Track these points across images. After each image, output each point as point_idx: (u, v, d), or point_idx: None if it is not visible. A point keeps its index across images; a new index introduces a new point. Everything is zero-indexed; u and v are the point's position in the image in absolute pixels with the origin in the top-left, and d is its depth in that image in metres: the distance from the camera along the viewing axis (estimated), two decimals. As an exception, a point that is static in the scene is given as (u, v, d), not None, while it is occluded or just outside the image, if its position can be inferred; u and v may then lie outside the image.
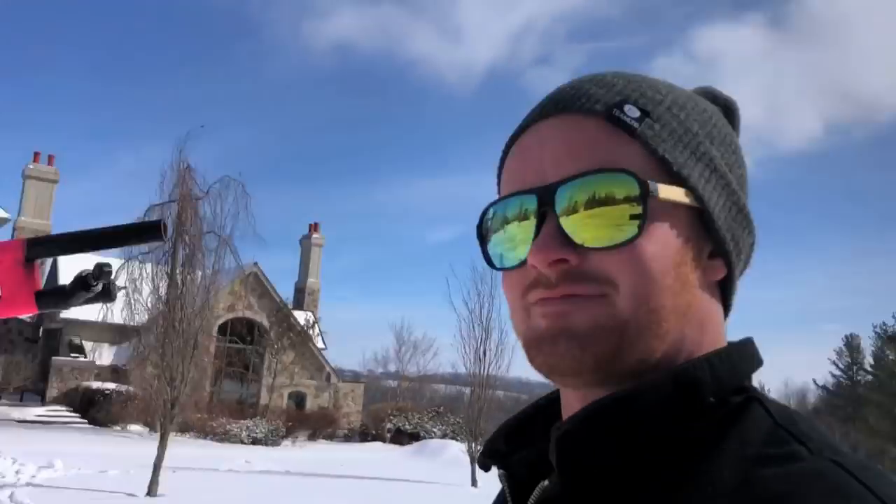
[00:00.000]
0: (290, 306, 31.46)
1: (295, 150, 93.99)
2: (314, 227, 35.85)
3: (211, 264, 14.48)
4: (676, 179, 0.61)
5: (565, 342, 0.60)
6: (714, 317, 0.65)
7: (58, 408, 24.98)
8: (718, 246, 0.63)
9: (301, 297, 34.51)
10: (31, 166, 29.42)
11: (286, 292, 32.89)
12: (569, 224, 0.60)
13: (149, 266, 16.76)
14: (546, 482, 0.61)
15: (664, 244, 0.60)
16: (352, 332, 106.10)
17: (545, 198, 0.61)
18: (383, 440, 29.81)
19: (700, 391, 0.58)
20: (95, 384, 25.09)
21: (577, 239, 0.60)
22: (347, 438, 29.99)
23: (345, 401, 31.52)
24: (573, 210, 0.60)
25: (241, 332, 29.20)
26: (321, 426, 29.08)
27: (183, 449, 17.37)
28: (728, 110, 0.71)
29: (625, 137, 0.61)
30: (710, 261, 0.64)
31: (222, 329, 27.95)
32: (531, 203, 0.62)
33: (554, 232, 0.60)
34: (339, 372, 33.23)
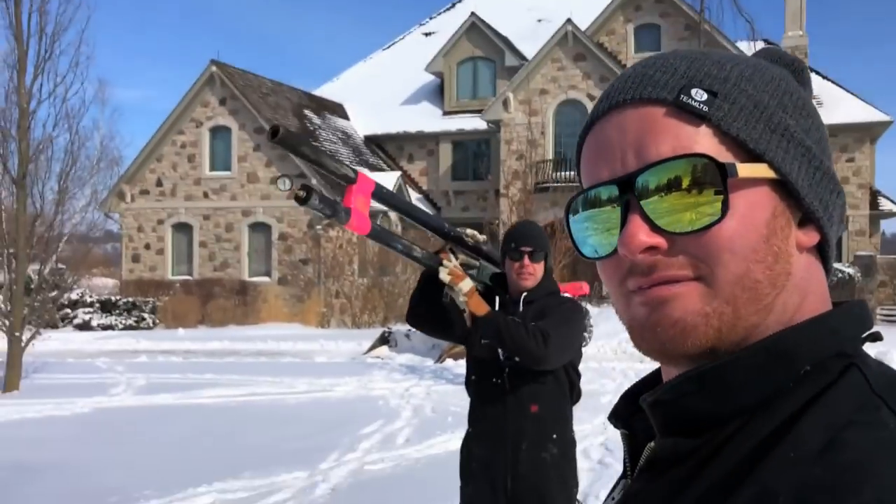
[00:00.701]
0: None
1: None
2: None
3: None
4: (754, 156, 0.61)
5: (666, 330, 0.62)
6: (815, 282, 0.65)
7: None
8: (808, 213, 0.64)
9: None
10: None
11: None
12: (653, 211, 0.61)
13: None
14: (652, 443, 0.64)
15: (751, 221, 0.61)
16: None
17: (627, 187, 0.62)
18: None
19: (793, 358, 0.58)
20: None
21: (663, 225, 0.61)
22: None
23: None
24: (656, 197, 0.61)
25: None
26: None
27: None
28: (795, 70, 0.70)
29: (696, 121, 0.61)
30: (801, 228, 0.64)
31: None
32: (614, 193, 0.63)
33: (639, 220, 0.61)
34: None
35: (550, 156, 23.70)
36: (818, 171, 0.64)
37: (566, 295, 3.08)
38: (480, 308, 2.77)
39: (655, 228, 0.61)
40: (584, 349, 3.17)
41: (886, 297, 23.54)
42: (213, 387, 10.93)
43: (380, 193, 2.83)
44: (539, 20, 30.03)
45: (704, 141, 0.61)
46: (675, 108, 0.62)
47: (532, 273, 2.95)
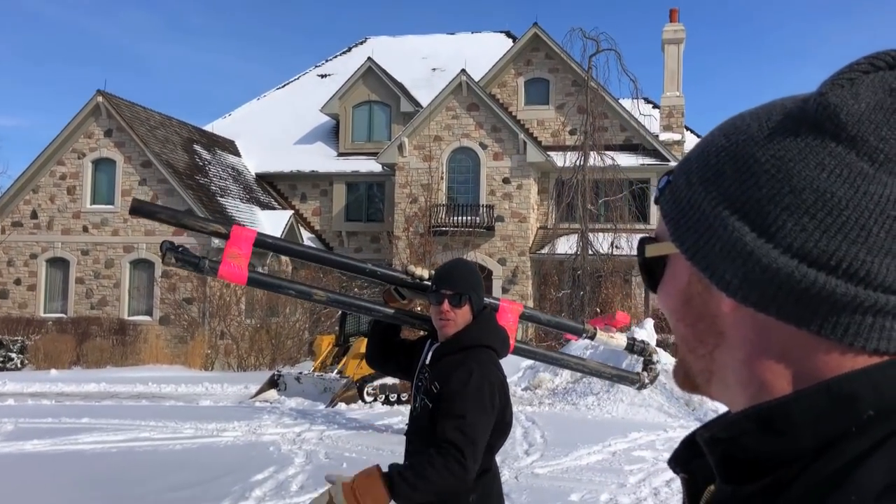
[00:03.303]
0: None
1: None
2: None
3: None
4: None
5: (675, 377, 0.76)
6: (769, 344, 0.63)
7: None
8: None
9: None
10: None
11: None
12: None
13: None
14: (713, 486, 0.66)
15: (672, 287, 0.71)
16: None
17: None
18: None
19: (856, 402, 0.58)
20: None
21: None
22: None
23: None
24: None
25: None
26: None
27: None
28: (817, 123, 0.61)
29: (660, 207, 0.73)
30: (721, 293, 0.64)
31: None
32: None
33: None
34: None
35: (444, 200, 24.11)
36: (718, 240, 0.63)
37: (484, 352, 2.65)
38: (379, 500, 2.33)
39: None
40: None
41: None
42: (90, 432, 10.36)
43: (264, 243, 2.82)
44: (434, 69, 30.73)
45: (660, 221, 0.72)
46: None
47: (451, 319, 2.64)
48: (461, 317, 2.65)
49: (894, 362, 0.60)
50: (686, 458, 0.72)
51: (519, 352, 3.10)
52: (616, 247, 21.37)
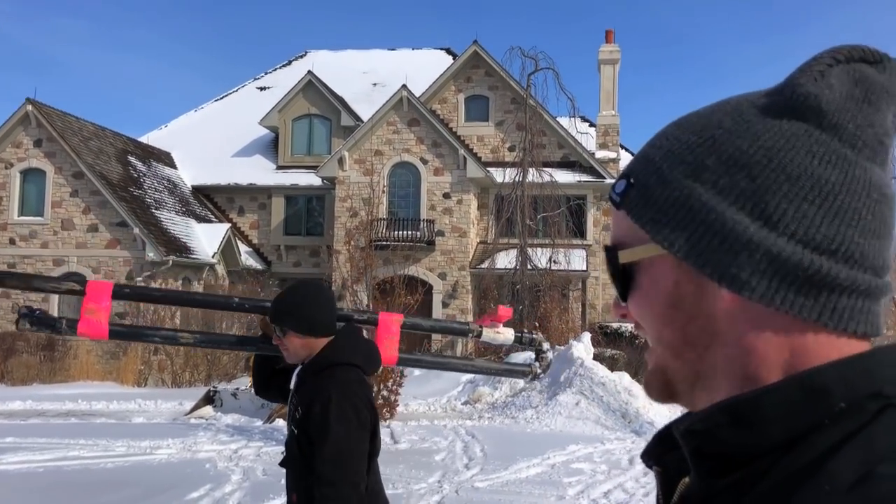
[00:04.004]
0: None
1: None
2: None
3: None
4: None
5: (645, 386, 0.73)
6: (765, 339, 0.63)
7: None
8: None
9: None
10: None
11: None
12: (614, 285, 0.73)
13: None
14: (687, 479, 0.66)
15: (654, 292, 0.68)
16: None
17: None
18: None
19: (827, 395, 0.59)
20: None
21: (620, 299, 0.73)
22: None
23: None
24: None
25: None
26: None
27: None
28: (803, 108, 0.63)
29: (618, 211, 0.71)
30: (720, 290, 0.64)
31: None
32: None
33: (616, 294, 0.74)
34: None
35: (385, 215, 24.10)
36: (716, 234, 0.62)
37: (343, 370, 2.57)
38: None
39: (619, 300, 0.73)
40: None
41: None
42: (15, 451, 9.97)
43: (122, 294, 2.89)
44: (374, 84, 30.77)
45: (624, 229, 0.69)
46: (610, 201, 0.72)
47: (286, 349, 2.62)
48: (292, 345, 2.60)
49: (863, 355, 0.61)
50: (659, 452, 0.72)
51: (404, 362, 3.14)
52: (554, 261, 21.69)
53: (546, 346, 3.47)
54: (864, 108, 0.63)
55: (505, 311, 3.25)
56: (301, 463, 2.51)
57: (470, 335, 3.27)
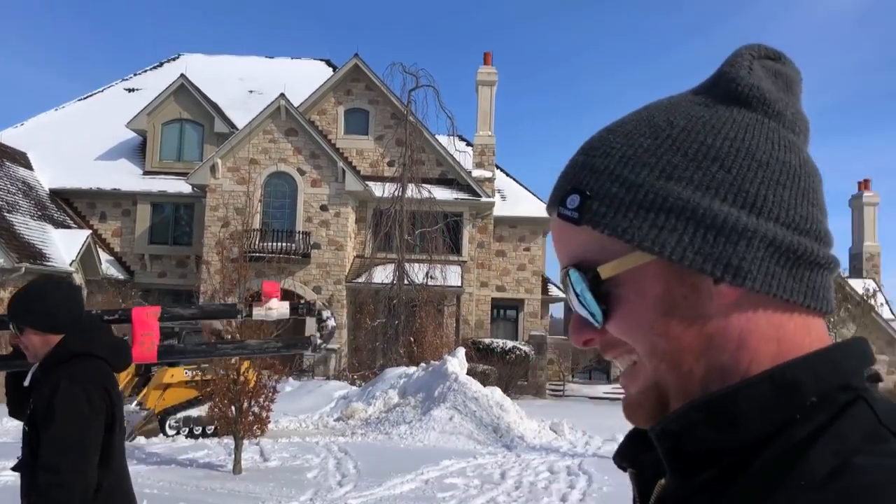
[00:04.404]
0: (846, 274, 28.57)
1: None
2: (864, 185, 32.95)
3: None
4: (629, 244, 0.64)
5: (628, 411, 0.68)
6: (757, 332, 0.63)
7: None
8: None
9: (857, 263, 32.14)
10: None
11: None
12: (579, 308, 0.67)
13: None
14: (663, 480, 0.65)
15: (641, 304, 0.64)
16: None
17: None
18: None
19: (798, 389, 0.59)
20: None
21: (590, 319, 0.67)
22: None
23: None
24: (576, 301, 0.67)
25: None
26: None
27: None
28: (749, 97, 0.65)
29: (576, 228, 0.66)
30: (716, 287, 0.62)
31: None
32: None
33: (576, 315, 0.69)
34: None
35: (258, 225, 23.51)
36: (710, 229, 0.61)
37: (80, 361, 2.45)
38: None
39: (583, 324, 0.68)
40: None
41: (554, 374, 26.42)
42: None
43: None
44: (251, 91, 30.06)
45: (587, 244, 0.65)
46: (560, 219, 0.67)
47: (26, 348, 2.50)
48: (31, 344, 2.48)
49: (832, 347, 0.62)
50: (632, 454, 0.71)
51: (165, 355, 3.04)
52: (431, 277, 21.84)
53: (326, 314, 3.39)
54: (789, 96, 0.67)
55: (270, 285, 3.20)
56: (34, 465, 2.34)
57: (239, 316, 3.21)
